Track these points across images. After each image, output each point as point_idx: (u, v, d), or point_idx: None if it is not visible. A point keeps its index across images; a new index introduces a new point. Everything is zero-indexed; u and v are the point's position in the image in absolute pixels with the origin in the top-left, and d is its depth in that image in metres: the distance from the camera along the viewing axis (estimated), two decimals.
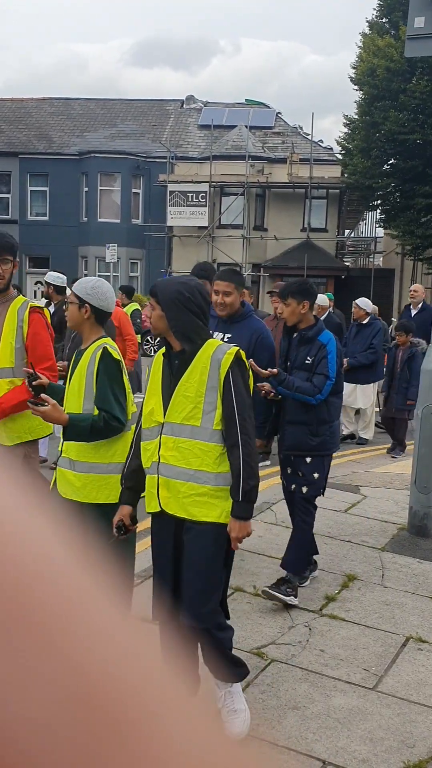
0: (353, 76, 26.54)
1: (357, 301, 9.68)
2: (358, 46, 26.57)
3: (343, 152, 27.80)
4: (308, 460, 4.62)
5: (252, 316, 5.04)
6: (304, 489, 4.64)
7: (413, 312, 10.66)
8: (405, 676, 3.71)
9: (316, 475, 4.64)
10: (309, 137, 30.60)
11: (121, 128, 33.23)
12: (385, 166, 26.48)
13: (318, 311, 8.36)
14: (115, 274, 26.48)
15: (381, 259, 37.46)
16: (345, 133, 28.00)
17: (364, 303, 9.68)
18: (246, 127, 30.46)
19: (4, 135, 33.20)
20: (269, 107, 33.81)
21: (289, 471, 4.75)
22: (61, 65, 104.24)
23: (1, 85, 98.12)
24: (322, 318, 8.42)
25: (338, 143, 28.17)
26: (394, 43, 23.85)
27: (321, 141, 31.59)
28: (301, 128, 32.24)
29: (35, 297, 30.76)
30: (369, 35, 26.17)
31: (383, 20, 26.54)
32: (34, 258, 32.42)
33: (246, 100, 34.52)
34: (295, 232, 29.65)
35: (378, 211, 29.94)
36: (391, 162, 26.48)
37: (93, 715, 0.25)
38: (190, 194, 29.28)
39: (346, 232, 37.18)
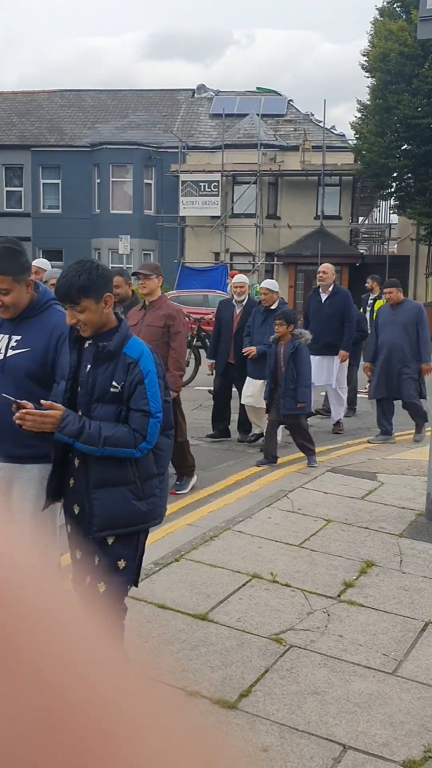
0: (365, 63, 26.31)
1: (265, 283, 8.37)
2: (369, 33, 26.35)
3: (357, 135, 27.57)
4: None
5: (53, 307, 3.48)
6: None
7: (323, 297, 9.36)
8: (424, 660, 3.70)
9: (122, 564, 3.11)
10: (321, 124, 30.39)
11: (133, 119, 33.15)
12: (399, 152, 26.27)
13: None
14: (128, 265, 26.45)
15: (396, 245, 37.21)
16: (358, 117, 27.79)
17: (274, 285, 8.38)
18: (258, 115, 30.30)
19: (16, 128, 33.22)
20: (281, 95, 33.61)
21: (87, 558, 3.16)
22: (76, 60, 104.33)
23: (17, 81, 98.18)
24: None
25: (352, 127, 27.93)
26: (407, 27, 23.62)
27: (334, 127, 31.38)
28: (313, 115, 32.04)
29: None
30: (380, 20, 25.94)
31: (395, 5, 26.29)
32: (47, 251, 32.44)
33: (257, 88, 34.34)
34: (308, 220, 29.51)
35: (393, 198, 29.72)
36: (404, 147, 26.26)
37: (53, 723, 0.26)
38: (202, 184, 29.20)
39: (360, 219, 36.98)
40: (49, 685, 0.27)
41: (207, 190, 29.22)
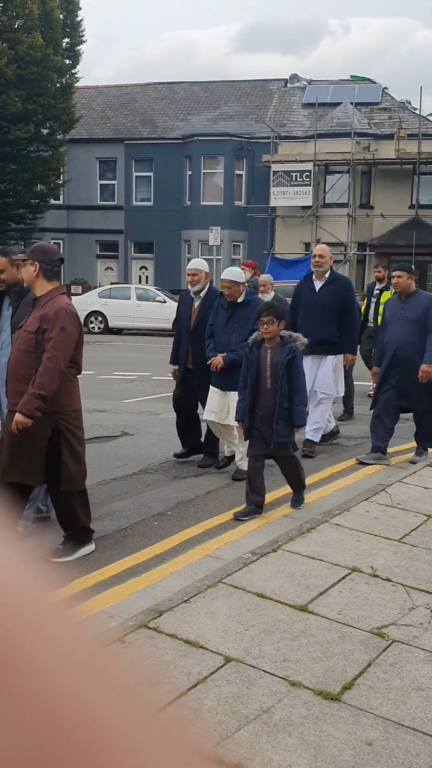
0: None
1: (227, 273, 6.69)
2: None
3: None
4: None
5: None
6: None
7: (317, 285, 7.70)
8: None
9: None
10: (417, 112, 29.65)
11: (225, 110, 33.19)
12: None
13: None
14: (218, 257, 26.58)
15: None
16: None
17: (238, 275, 6.66)
18: (351, 103, 29.82)
19: (110, 122, 33.79)
20: (375, 83, 32.96)
21: None
22: (171, 53, 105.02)
23: (112, 75, 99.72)
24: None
25: None
26: None
27: (431, 115, 30.57)
28: (409, 103, 31.29)
29: (139, 282, 31.30)
30: None
31: None
32: (138, 244, 32.95)
33: (351, 76, 33.78)
34: (402, 209, 28.88)
35: None
36: None
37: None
38: (294, 174, 28.99)
39: None
40: (39, 701, 0.27)
41: (299, 180, 28.99)
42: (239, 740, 2.91)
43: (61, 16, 26.92)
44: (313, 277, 7.74)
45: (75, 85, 28.88)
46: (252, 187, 30.83)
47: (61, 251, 33.85)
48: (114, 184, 33.35)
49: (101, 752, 0.27)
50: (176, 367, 7.35)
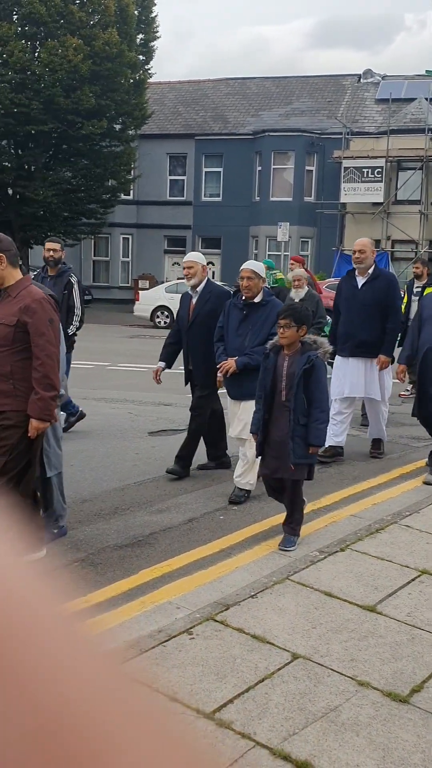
0: None
1: (248, 264, 5.99)
2: None
3: None
4: None
5: None
6: None
7: (359, 281, 7.11)
8: None
9: None
10: None
11: (297, 106, 32.99)
12: None
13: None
14: (285, 253, 26.44)
15: None
16: None
17: (258, 268, 5.96)
18: (426, 99, 29.25)
19: (181, 117, 33.97)
20: None
21: None
22: (244, 49, 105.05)
23: (185, 72, 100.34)
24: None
25: None
26: None
27: None
28: None
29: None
30: None
31: None
32: (206, 239, 33.06)
33: (426, 71, 33.11)
34: None
35: None
36: None
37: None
38: (365, 170, 28.63)
39: None
40: (41, 699, 0.27)
41: (370, 176, 28.61)
42: (306, 737, 2.91)
43: (136, 12, 27.17)
44: (356, 273, 7.22)
45: (148, 80, 29.13)
46: (322, 183, 30.57)
47: (130, 246, 34.31)
48: (183, 180, 33.53)
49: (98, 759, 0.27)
50: (161, 364, 6.83)
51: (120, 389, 11.20)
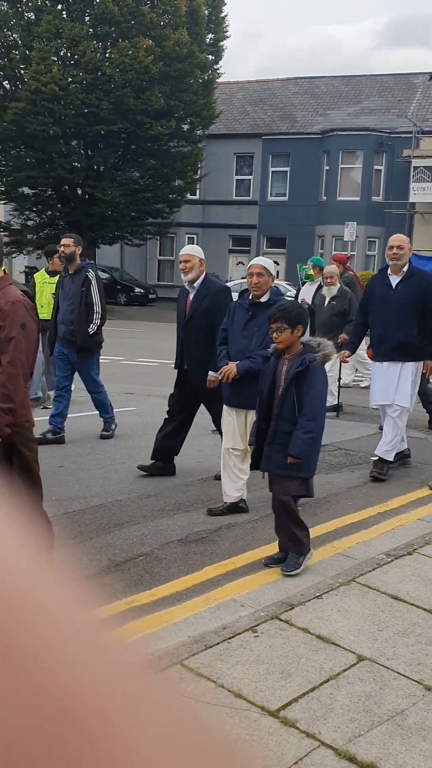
0: None
1: (256, 260, 5.66)
2: None
3: None
4: None
5: None
6: None
7: (393, 280, 6.68)
8: None
9: None
10: None
11: (366, 105, 32.64)
12: None
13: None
14: (352, 252, 26.20)
15: None
16: None
17: (268, 264, 5.55)
18: None
19: (249, 117, 33.97)
20: None
21: None
22: (312, 49, 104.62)
23: (254, 72, 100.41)
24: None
25: None
26: None
27: None
28: None
29: None
30: None
31: None
32: (271, 238, 33.00)
33: None
34: None
35: None
36: None
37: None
38: None
39: None
40: (44, 684, 0.27)
41: None
42: (372, 739, 2.89)
43: (206, 12, 27.28)
44: (389, 271, 6.74)
45: (216, 80, 29.22)
46: (390, 183, 30.17)
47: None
48: (250, 179, 33.53)
49: (103, 737, 0.27)
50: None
51: None
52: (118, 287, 31.77)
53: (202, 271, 6.34)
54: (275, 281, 5.58)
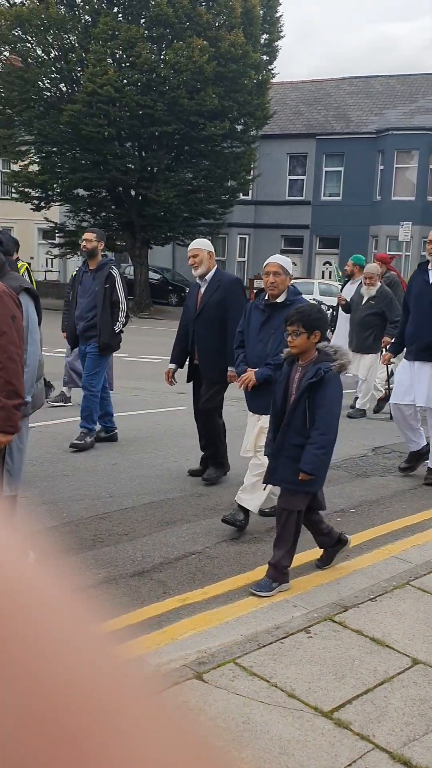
0: None
1: (274, 258, 5.18)
2: None
3: None
4: None
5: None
6: None
7: None
8: None
9: None
10: None
11: (422, 104, 32.20)
12: None
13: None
14: (407, 253, 25.87)
15: None
16: None
17: (285, 262, 5.18)
18: None
19: (303, 117, 33.84)
20: None
21: None
22: (367, 48, 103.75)
23: (309, 72, 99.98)
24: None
25: None
26: None
27: None
28: None
29: (322, 277, 31.14)
30: None
31: None
32: (324, 239, 32.80)
33: None
34: None
35: None
36: None
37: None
38: None
39: None
40: (42, 686, 0.27)
41: None
42: (428, 744, 2.86)
43: (261, 12, 27.25)
44: (429, 266, 6.40)
45: (270, 81, 29.16)
46: None
47: (246, 246, 34.48)
48: (303, 179, 33.40)
49: (100, 739, 0.27)
50: (172, 366, 6.51)
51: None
52: (170, 288, 31.97)
53: (213, 265, 6.25)
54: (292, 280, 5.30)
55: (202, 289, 6.18)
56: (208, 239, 8.05)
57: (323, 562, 4.60)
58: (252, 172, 29.99)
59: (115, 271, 7.33)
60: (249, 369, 5.13)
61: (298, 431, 4.11)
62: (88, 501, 5.76)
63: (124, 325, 7.37)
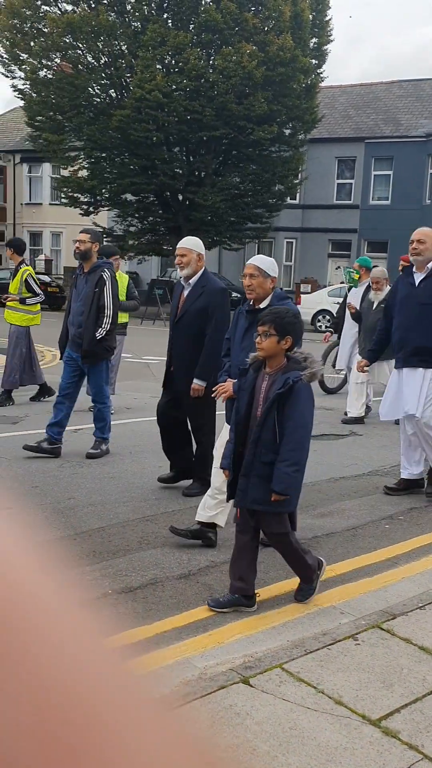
0: None
1: (253, 260, 4.80)
2: None
3: None
4: None
5: None
6: None
7: (417, 278, 5.97)
8: None
9: None
10: None
11: None
12: None
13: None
14: None
15: None
16: None
17: (268, 265, 4.74)
18: None
19: (352, 121, 33.65)
20: None
21: None
22: (417, 51, 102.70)
23: (358, 76, 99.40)
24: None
25: None
26: None
27: None
28: None
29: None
30: None
31: None
32: (372, 243, 32.53)
33: None
34: None
35: None
36: None
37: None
38: None
39: None
40: (42, 690, 0.27)
41: None
42: None
43: (310, 16, 27.17)
44: (414, 269, 6.06)
45: (319, 84, 29.05)
46: None
47: (294, 250, 34.40)
48: (351, 183, 33.21)
49: (102, 745, 0.27)
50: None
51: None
52: None
53: (201, 267, 5.81)
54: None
55: (185, 293, 5.81)
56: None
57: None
58: (299, 175, 29.90)
59: (106, 275, 6.92)
60: (229, 380, 4.73)
61: (269, 447, 3.78)
62: (134, 503, 5.81)
63: (108, 333, 6.89)
